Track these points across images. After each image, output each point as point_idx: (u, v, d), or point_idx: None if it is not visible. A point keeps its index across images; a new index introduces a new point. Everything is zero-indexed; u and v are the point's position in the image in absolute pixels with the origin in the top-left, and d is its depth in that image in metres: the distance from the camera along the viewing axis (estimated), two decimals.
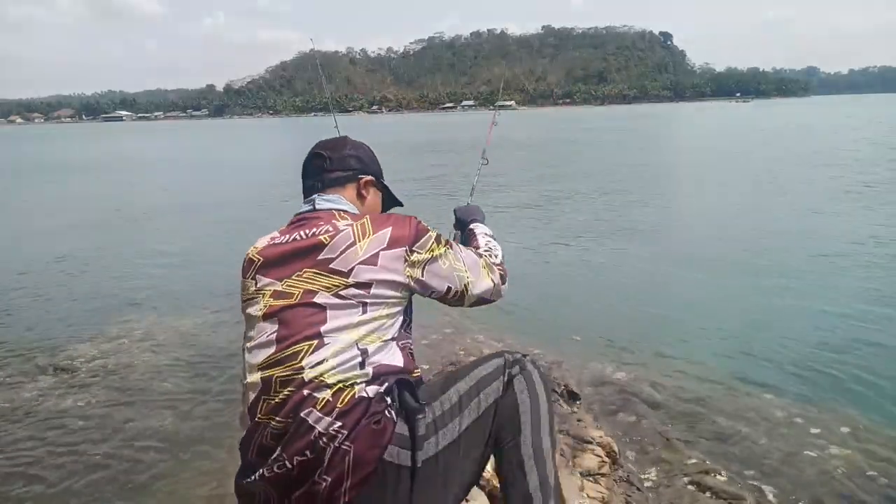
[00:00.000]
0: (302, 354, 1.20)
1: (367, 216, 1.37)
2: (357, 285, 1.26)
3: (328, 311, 1.24)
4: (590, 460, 2.40)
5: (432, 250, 1.36)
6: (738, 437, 2.81)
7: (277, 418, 1.16)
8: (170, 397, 3.47)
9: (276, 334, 1.24)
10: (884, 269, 5.49)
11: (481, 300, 1.47)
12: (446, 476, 1.22)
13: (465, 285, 1.41)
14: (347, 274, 1.27)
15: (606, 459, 2.45)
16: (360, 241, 1.30)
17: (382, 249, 1.30)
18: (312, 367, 1.18)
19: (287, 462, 1.12)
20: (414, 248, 1.33)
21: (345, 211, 1.43)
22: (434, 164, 18.33)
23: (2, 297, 5.62)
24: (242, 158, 26.01)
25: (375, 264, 1.28)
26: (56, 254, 7.37)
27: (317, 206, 1.45)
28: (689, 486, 2.38)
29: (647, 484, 2.39)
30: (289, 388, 1.17)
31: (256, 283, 1.34)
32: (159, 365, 3.93)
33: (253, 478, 1.16)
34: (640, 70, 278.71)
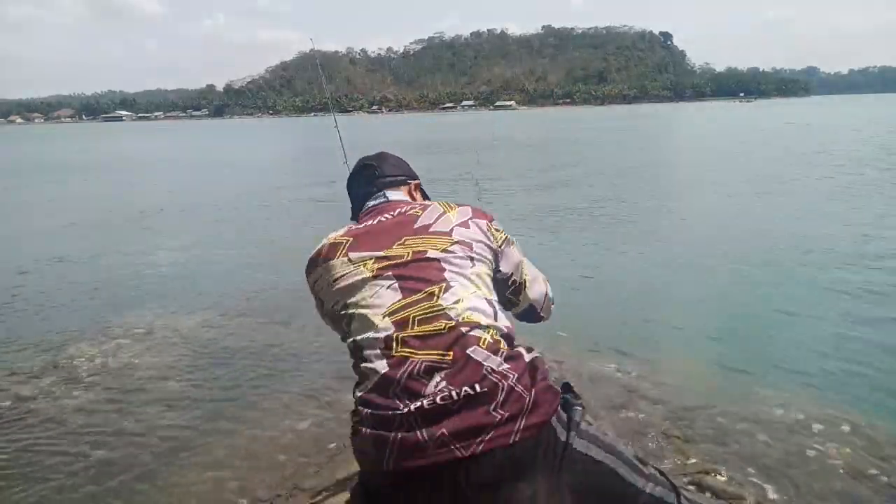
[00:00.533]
0: (436, 295, 1.19)
1: (443, 201, 1.43)
2: (460, 243, 1.30)
3: (443, 263, 1.25)
4: None
5: (505, 235, 1.41)
6: (738, 436, 2.81)
7: (429, 352, 1.11)
8: (170, 397, 3.47)
9: (396, 284, 1.23)
10: (883, 267, 5.49)
11: (531, 308, 1.48)
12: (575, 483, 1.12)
13: (524, 280, 1.44)
14: (449, 234, 1.31)
15: None
16: (449, 211, 1.37)
17: (471, 218, 1.37)
18: (452, 306, 1.17)
19: (453, 392, 1.05)
20: (493, 225, 1.39)
21: (414, 200, 1.48)
22: (441, 164, 18.35)
23: (2, 296, 5.62)
24: (243, 158, 26.01)
25: (469, 228, 1.34)
26: (56, 253, 7.38)
27: (389, 198, 1.50)
28: (690, 486, 2.38)
29: None
30: (436, 324, 1.15)
31: (351, 259, 1.32)
32: (159, 365, 3.93)
33: (402, 411, 1.06)
34: (640, 70, 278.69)
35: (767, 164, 14.31)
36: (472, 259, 1.28)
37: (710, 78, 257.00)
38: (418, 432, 1.04)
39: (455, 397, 1.05)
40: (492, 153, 22.57)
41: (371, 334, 1.18)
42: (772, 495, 2.34)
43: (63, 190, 15.21)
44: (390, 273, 1.25)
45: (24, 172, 20.53)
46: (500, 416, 1.04)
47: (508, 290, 1.43)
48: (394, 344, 1.14)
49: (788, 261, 5.89)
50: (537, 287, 1.48)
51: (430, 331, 1.14)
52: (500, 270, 1.38)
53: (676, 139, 30.58)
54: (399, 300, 1.20)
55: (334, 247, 1.38)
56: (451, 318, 1.15)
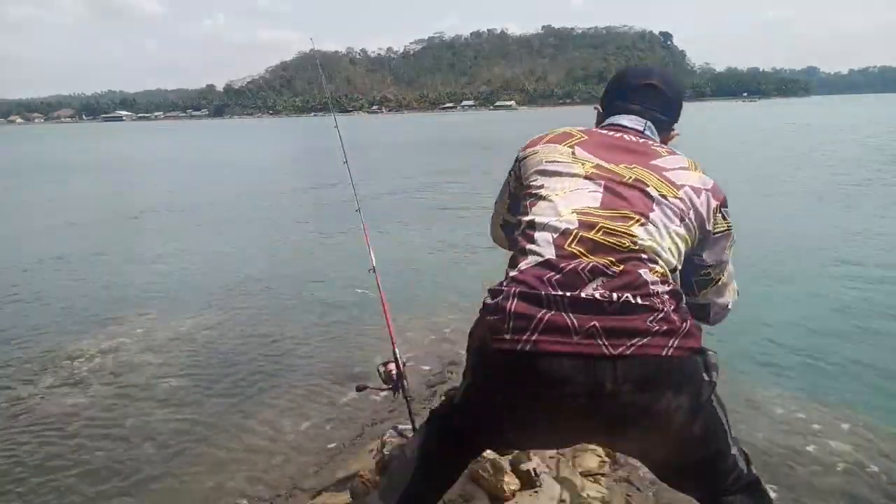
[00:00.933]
0: (632, 222, 1.15)
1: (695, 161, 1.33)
2: (682, 200, 1.22)
3: (656, 203, 1.19)
4: (590, 460, 2.40)
5: (728, 227, 1.32)
6: (738, 434, 2.80)
7: (601, 258, 1.09)
8: (170, 397, 3.47)
9: (600, 194, 1.19)
10: (884, 267, 5.50)
11: (705, 307, 1.43)
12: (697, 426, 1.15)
13: (717, 279, 1.39)
14: (678, 188, 1.23)
15: (606, 459, 2.45)
16: (692, 171, 1.28)
17: (707, 189, 1.26)
18: (641, 237, 1.14)
19: (613, 294, 1.05)
20: (723, 210, 1.30)
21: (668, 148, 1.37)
22: (452, 162, 18.32)
23: (2, 296, 5.62)
24: (243, 158, 26.00)
25: (699, 196, 1.24)
26: (57, 253, 7.38)
27: (644, 131, 1.37)
28: None
29: (647, 483, 2.39)
30: (618, 240, 1.12)
31: (575, 153, 1.27)
32: (160, 365, 3.93)
33: (556, 293, 1.06)
34: None
35: (771, 163, 14.33)
36: (682, 220, 1.21)
37: (710, 78, 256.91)
38: (568, 317, 1.03)
39: (614, 299, 1.05)
40: (492, 152, 22.58)
41: (552, 220, 1.16)
42: (772, 494, 2.32)
43: (63, 190, 15.20)
44: (601, 182, 1.21)
45: (25, 172, 20.52)
46: (656, 328, 1.04)
47: (696, 277, 1.35)
48: (570, 239, 1.12)
49: (788, 260, 5.89)
50: (726, 294, 1.44)
51: (610, 242, 1.11)
52: (699, 255, 1.31)
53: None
54: (595, 206, 1.17)
55: (566, 135, 1.34)
56: (635, 244, 1.12)
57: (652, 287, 1.08)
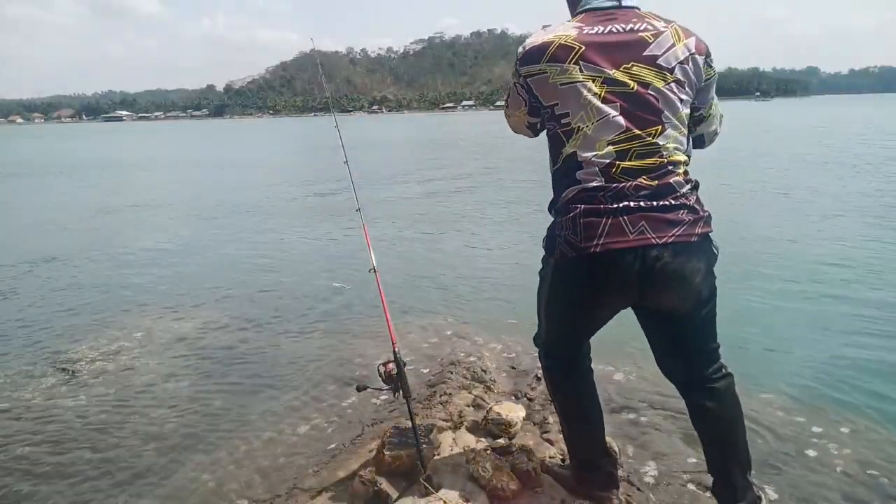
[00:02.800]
0: (654, 134, 1.47)
1: (675, 23, 1.55)
2: (677, 82, 1.51)
3: (661, 101, 1.49)
4: None
5: (714, 71, 1.60)
6: None
7: (641, 179, 1.45)
8: (170, 398, 3.47)
9: (621, 117, 1.47)
10: (884, 268, 5.49)
11: (700, 137, 1.74)
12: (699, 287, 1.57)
13: (709, 115, 1.68)
14: (671, 70, 1.50)
15: None
16: (678, 44, 1.52)
17: (692, 54, 1.53)
18: (664, 145, 1.48)
19: (652, 202, 1.45)
20: (708, 60, 1.58)
21: (647, 12, 1.58)
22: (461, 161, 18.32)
23: (2, 296, 5.63)
24: (244, 158, 25.99)
25: (688, 63, 1.52)
26: (57, 253, 7.38)
27: (623, 3, 1.57)
28: (690, 486, 2.38)
29: (646, 483, 2.39)
30: (651, 159, 1.47)
31: (581, 69, 1.48)
32: (159, 366, 3.93)
33: (612, 206, 1.44)
34: None
35: (785, 163, 14.31)
36: (681, 101, 1.51)
37: None
38: (623, 222, 1.43)
39: (654, 204, 1.45)
40: (491, 152, 22.57)
41: (594, 155, 1.46)
42: (772, 496, 2.33)
43: (64, 189, 15.19)
44: (617, 103, 1.47)
45: (26, 171, 20.50)
46: (687, 219, 1.48)
47: (695, 117, 1.64)
48: (613, 169, 1.45)
49: (787, 262, 5.89)
50: (714, 124, 1.72)
51: (644, 164, 1.46)
52: (702, 100, 1.61)
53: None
54: (622, 133, 1.46)
55: (565, 49, 1.50)
56: (662, 157, 1.48)
57: (679, 189, 1.49)
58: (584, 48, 1.48)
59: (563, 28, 1.54)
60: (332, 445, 2.87)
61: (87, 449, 2.93)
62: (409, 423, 2.10)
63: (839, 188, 10.40)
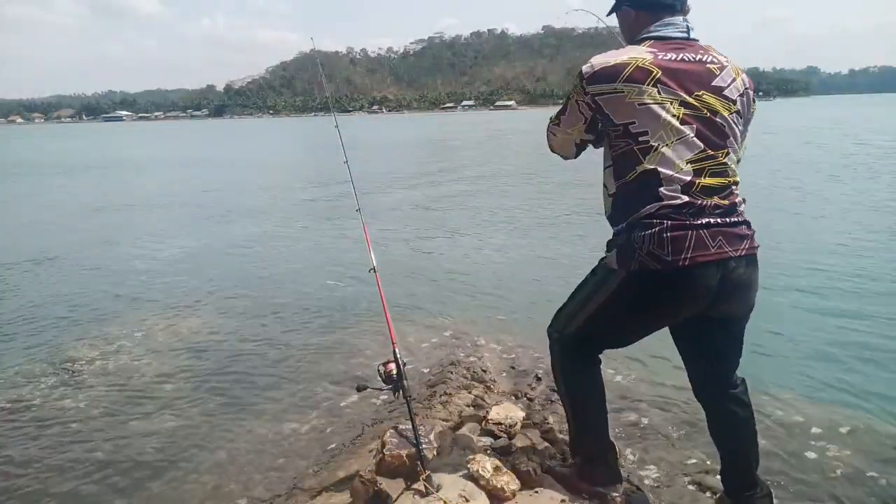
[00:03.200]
0: (723, 156, 1.62)
1: (730, 59, 1.69)
2: (737, 112, 1.66)
3: (727, 128, 1.63)
4: None
5: (756, 105, 1.77)
6: None
7: (716, 199, 1.60)
8: (170, 399, 3.47)
9: (697, 138, 1.59)
10: (884, 268, 5.49)
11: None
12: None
13: (745, 140, 1.79)
14: (734, 102, 1.65)
15: None
16: (737, 78, 1.67)
17: (747, 89, 1.69)
18: (731, 166, 1.65)
19: (726, 218, 1.61)
20: (755, 97, 1.75)
21: (707, 45, 1.71)
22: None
23: (2, 296, 5.63)
24: (244, 157, 25.98)
25: (745, 97, 1.68)
26: (57, 253, 7.38)
27: (690, 36, 1.69)
28: (690, 486, 2.38)
29: (647, 483, 2.39)
30: (721, 179, 1.62)
31: (660, 92, 1.58)
32: (160, 366, 3.93)
33: (696, 222, 1.56)
34: None
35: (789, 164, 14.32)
36: (739, 130, 1.68)
37: None
38: (704, 236, 1.57)
39: (727, 220, 1.61)
40: (491, 152, 22.56)
41: (675, 173, 1.58)
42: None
43: (64, 189, 15.19)
44: (694, 125, 1.59)
45: (25, 172, 20.51)
46: (748, 233, 1.66)
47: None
48: (693, 187, 1.58)
49: (786, 261, 5.89)
50: (743, 150, 1.82)
51: (717, 183, 1.61)
52: (744, 135, 1.76)
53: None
54: (699, 153, 1.59)
55: (642, 71, 1.58)
56: (728, 177, 1.63)
57: (739, 207, 1.66)
58: (660, 72, 1.58)
59: (636, 52, 1.62)
60: (332, 445, 2.87)
61: (86, 449, 2.93)
62: (409, 423, 2.10)
63: (856, 188, 10.41)
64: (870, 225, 7.38)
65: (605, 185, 1.78)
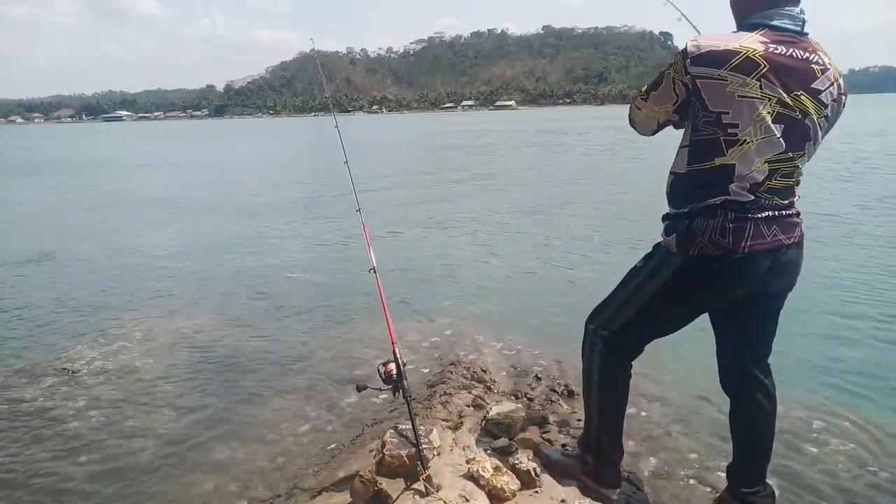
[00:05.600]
0: (797, 160, 1.66)
1: (833, 60, 1.67)
2: (826, 118, 1.67)
3: (811, 132, 1.64)
4: None
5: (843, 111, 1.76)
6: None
7: (779, 199, 1.66)
8: (170, 399, 3.47)
9: (783, 139, 1.60)
10: (885, 266, 5.49)
11: None
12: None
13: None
14: (826, 106, 1.65)
15: None
16: (835, 83, 1.65)
17: (841, 94, 1.69)
18: (801, 170, 1.69)
19: (783, 210, 1.68)
20: (845, 101, 1.73)
21: (816, 42, 1.67)
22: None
23: (2, 296, 5.63)
24: (244, 158, 25.97)
25: (836, 103, 1.68)
26: (58, 252, 7.38)
27: (804, 30, 1.65)
28: (690, 483, 2.38)
29: (646, 482, 2.39)
30: (790, 180, 1.67)
31: (762, 87, 1.56)
32: (160, 367, 3.93)
33: (756, 216, 1.63)
34: (640, 70, 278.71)
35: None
36: (822, 135, 1.69)
37: None
38: (763, 228, 1.64)
39: (784, 213, 1.68)
40: (491, 152, 22.57)
41: (750, 172, 1.61)
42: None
43: (64, 189, 15.19)
44: (783, 125, 1.60)
45: (25, 171, 20.50)
46: (798, 221, 1.74)
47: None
48: (761, 187, 1.63)
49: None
50: None
51: (785, 184, 1.67)
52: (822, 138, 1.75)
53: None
54: (780, 153, 1.62)
55: (751, 63, 1.55)
56: (795, 178, 1.69)
57: (795, 201, 1.73)
58: (767, 67, 1.55)
59: (747, 40, 1.57)
60: (332, 445, 2.87)
61: (86, 449, 2.93)
62: (409, 423, 2.11)
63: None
64: (875, 225, 7.38)
65: (674, 163, 1.77)
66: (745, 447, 1.94)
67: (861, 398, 3.15)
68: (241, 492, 2.56)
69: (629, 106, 1.89)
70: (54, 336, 4.54)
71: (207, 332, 4.56)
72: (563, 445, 2.31)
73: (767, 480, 1.97)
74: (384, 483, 2.05)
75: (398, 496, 1.96)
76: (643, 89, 1.80)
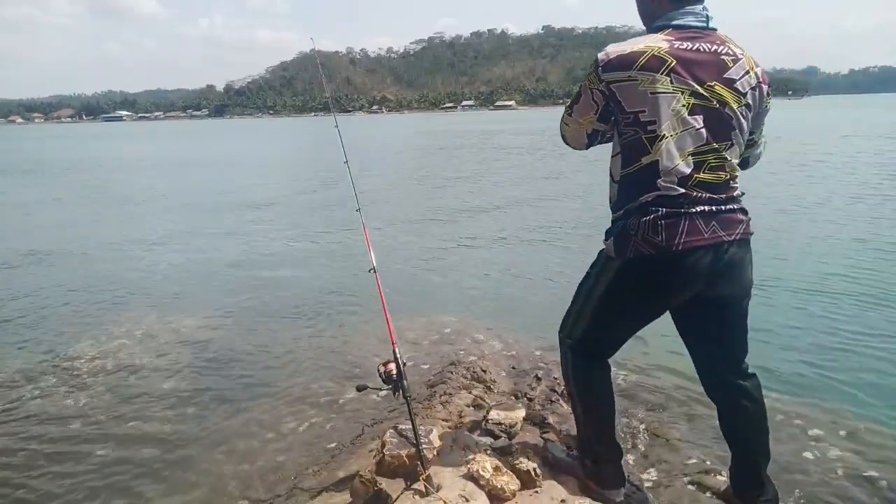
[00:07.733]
0: (725, 149, 1.65)
1: (746, 51, 1.69)
2: (747, 106, 1.66)
3: (734, 121, 1.64)
4: None
5: (770, 101, 1.77)
6: None
7: (712, 194, 1.63)
8: (170, 398, 3.47)
9: (703, 130, 1.61)
10: (885, 269, 5.49)
11: (752, 156, 1.89)
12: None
13: (759, 141, 1.86)
14: (744, 95, 1.65)
15: None
16: (750, 71, 1.66)
17: (761, 83, 1.69)
18: (730, 160, 1.67)
19: (721, 206, 1.65)
20: (769, 91, 1.74)
21: (725, 36, 1.70)
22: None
23: (2, 296, 5.62)
24: (243, 158, 25.96)
25: (756, 91, 1.68)
26: (58, 252, 7.38)
27: (709, 25, 1.68)
28: (689, 486, 2.38)
29: (647, 484, 2.39)
30: (719, 173, 1.65)
31: (672, 81, 1.59)
32: (159, 366, 3.93)
33: (690, 210, 1.61)
34: None
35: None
36: (747, 124, 1.68)
37: None
38: (699, 224, 1.62)
39: (723, 208, 1.65)
40: (492, 153, 22.56)
41: (675, 165, 1.60)
42: None
43: (64, 188, 15.19)
44: (701, 116, 1.60)
45: (25, 171, 20.49)
46: (743, 219, 1.70)
47: (748, 141, 1.78)
48: (690, 181, 1.61)
49: (786, 260, 5.89)
50: (760, 147, 1.89)
51: (715, 177, 1.65)
52: (751, 128, 1.74)
53: None
54: (702, 145, 1.62)
55: (657, 60, 1.59)
56: (727, 171, 1.67)
57: (737, 196, 1.70)
58: (675, 62, 1.58)
59: (652, 40, 1.63)
60: (332, 445, 2.87)
61: (86, 449, 2.93)
62: (409, 423, 2.10)
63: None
64: (872, 227, 7.38)
65: (610, 174, 1.79)
66: (740, 450, 1.94)
67: (858, 405, 3.13)
68: (241, 492, 2.56)
69: (559, 124, 1.92)
70: (54, 336, 4.54)
71: (207, 332, 4.56)
72: (566, 446, 2.31)
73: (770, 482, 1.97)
74: (384, 483, 2.05)
75: (398, 496, 1.96)
76: (567, 105, 1.86)
